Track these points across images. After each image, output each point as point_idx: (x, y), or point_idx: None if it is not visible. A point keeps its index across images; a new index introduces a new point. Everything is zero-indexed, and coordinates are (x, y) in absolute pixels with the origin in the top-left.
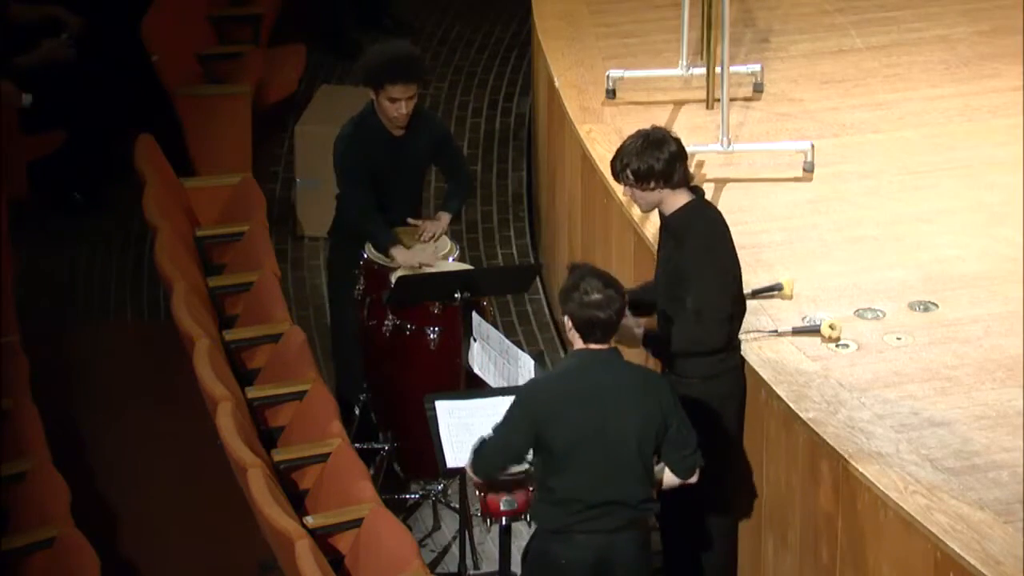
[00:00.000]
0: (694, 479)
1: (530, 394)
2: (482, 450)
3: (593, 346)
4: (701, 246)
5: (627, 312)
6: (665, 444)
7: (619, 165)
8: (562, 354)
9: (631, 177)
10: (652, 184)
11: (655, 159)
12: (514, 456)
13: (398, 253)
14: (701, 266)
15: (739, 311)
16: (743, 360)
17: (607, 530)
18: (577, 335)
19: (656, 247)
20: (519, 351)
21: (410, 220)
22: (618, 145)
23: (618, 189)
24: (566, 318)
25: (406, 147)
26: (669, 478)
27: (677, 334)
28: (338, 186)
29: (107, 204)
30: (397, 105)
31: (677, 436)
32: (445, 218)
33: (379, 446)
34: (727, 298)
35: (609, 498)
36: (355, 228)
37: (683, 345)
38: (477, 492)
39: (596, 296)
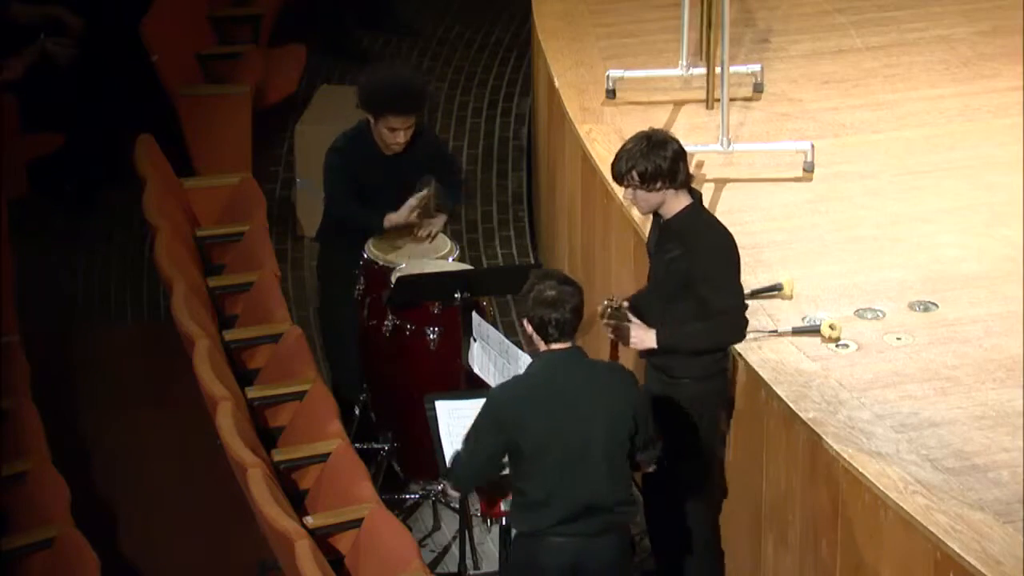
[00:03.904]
0: (651, 469)
1: (495, 401)
2: (456, 464)
3: (555, 347)
4: (715, 246)
5: (630, 316)
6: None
7: (623, 167)
8: None
9: (636, 178)
10: (659, 184)
11: (661, 159)
12: (488, 465)
13: (393, 217)
14: (718, 267)
15: None
16: (733, 363)
17: (584, 534)
18: (537, 337)
19: (653, 247)
20: (519, 351)
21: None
22: (618, 145)
23: (619, 189)
24: (524, 322)
25: (399, 164)
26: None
27: (699, 336)
28: (325, 198)
29: (107, 204)
30: (395, 134)
31: (643, 429)
32: (442, 218)
33: (379, 446)
34: (743, 295)
35: (583, 500)
36: (346, 226)
37: (704, 344)
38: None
39: (549, 294)
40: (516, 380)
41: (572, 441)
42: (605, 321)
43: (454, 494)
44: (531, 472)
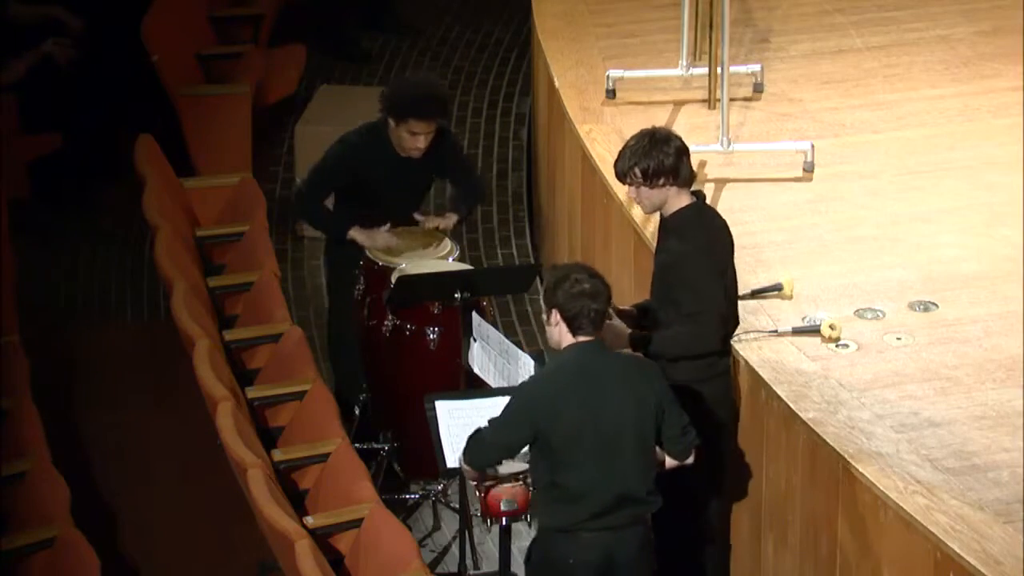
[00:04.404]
0: (691, 459)
1: (529, 393)
2: (478, 443)
3: (582, 338)
4: (700, 247)
5: (614, 316)
6: (661, 428)
7: (626, 165)
8: None
9: (639, 176)
10: (662, 181)
11: (664, 154)
12: (508, 453)
13: (357, 235)
14: (699, 267)
15: (732, 316)
16: (734, 364)
17: (614, 527)
18: (565, 329)
19: (655, 248)
20: (519, 351)
21: (416, 215)
22: (618, 145)
23: (619, 189)
24: (553, 312)
25: (410, 166)
26: (669, 460)
27: (674, 336)
28: (307, 177)
29: (107, 204)
30: (416, 138)
31: (671, 419)
32: (452, 217)
33: (379, 446)
34: (724, 300)
35: (617, 492)
36: (305, 220)
37: (679, 347)
38: (477, 492)
39: (586, 286)
40: (548, 372)
41: (605, 432)
42: None
43: (469, 470)
44: (566, 465)
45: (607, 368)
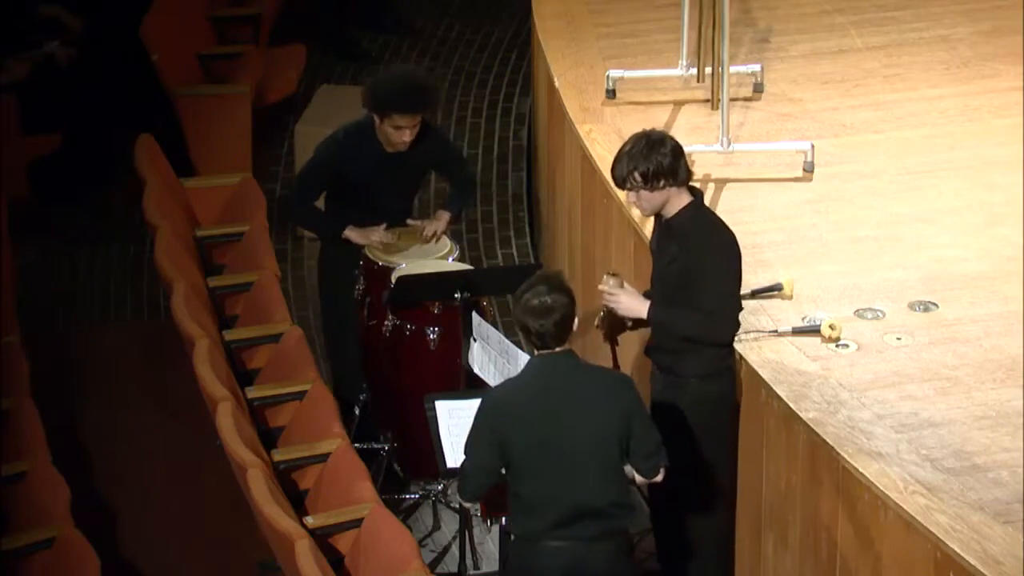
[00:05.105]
0: (659, 478)
1: (486, 406)
2: (462, 474)
3: (545, 351)
4: (713, 244)
5: (633, 290)
6: (629, 444)
7: (624, 170)
8: None
9: (639, 179)
10: (662, 183)
11: (662, 156)
12: (491, 472)
13: (351, 233)
14: (715, 263)
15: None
16: (738, 361)
17: (580, 538)
18: (525, 342)
19: (655, 248)
20: (519, 351)
21: (409, 221)
22: (618, 145)
23: (620, 192)
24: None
25: (399, 163)
26: (638, 477)
27: (689, 322)
28: (297, 177)
29: (107, 204)
30: (401, 132)
31: (640, 436)
32: (445, 216)
33: (379, 446)
34: (738, 295)
35: (575, 503)
36: (297, 223)
37: (689, 329)
38: None
39: (534, 302)
40: (507, 384)
41: (561, 444)
42: (602, 286)
43: (468, 505)
44: (523, 475)
45: (568, 380)
